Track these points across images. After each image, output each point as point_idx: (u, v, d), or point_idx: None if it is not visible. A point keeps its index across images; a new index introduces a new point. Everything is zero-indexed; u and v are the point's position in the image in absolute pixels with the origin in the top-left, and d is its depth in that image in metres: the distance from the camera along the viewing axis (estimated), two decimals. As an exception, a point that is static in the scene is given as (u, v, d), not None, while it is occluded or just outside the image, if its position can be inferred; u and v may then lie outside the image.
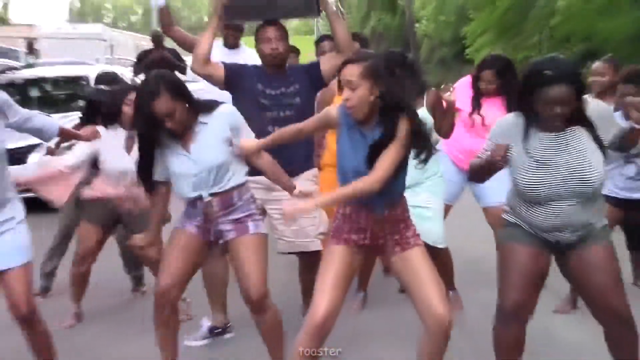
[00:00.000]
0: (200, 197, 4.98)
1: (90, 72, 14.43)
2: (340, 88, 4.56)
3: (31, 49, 24.82)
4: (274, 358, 5.23)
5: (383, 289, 7.54)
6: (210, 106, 5.04)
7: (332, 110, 4.67)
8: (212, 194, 4.96)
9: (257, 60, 6.57)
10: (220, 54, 7.73)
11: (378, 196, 4.50)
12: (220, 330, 6.35)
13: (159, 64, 8.75)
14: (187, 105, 4.88)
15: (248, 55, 8.13)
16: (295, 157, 5.46)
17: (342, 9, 6.45)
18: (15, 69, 16.87)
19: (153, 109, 4.74)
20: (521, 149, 4.51)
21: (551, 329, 6.19)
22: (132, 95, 6.08)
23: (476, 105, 7.12)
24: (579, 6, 26.62)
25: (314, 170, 6.11)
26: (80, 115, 7.60)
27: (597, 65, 6.85)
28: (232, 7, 6.05)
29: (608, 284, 4.57)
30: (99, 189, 6.50)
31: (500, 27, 29.29)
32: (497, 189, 6.02)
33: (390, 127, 4.45)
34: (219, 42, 8.37)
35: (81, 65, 16.74)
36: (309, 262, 6.10)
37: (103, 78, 8.27)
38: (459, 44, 36.65)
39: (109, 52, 37.38)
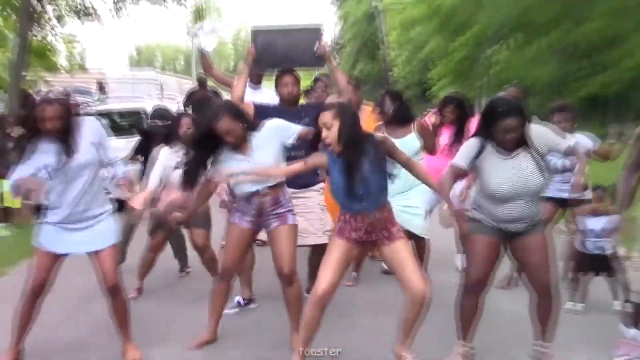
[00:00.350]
0: (257, 192, 5.03)
1: (146, 106, 14.41)
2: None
3: (102, 89, 24.77)
4: (293, 322, 5.23)
5: (370, 271, 7.43)
6: (259, 124, 5.12)
7: (323, 156, 4.74)
8: (269, 187, 5.02)
9: (274, 98, 6.65)
10: (247, 91, 7.83)
11: (369, 205, 4.63)
12: (247, 301, 6.42)
13: (203, 100, 8.66)
14: (244, 125, 4.97)
15: (266, 94, 8.05)
16: (307, 175, 5.46)
17: (338, 61, 6.46)
18: (90, 104, 16.82)
19: (214, 128, 4.87)
20: (490, 163, 4.62)
21: (499, 302, 6.13)
22: (185, 121, 6.57)
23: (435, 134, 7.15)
24: (513, 59, 26.80)
25: (322, 184, 6.11)
26: (139, 139, 7.59)
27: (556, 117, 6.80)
28: (259, 60, 6.19)
29: (543, 262, 4.75)
30: (167, 200, 6.51)
31: (454, 74, 29.34)
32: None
33: (354, 153, 4.57)
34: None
35: (139, 101, 16.77)
36: (317, 251, 6.06)
37: (157, 112, 8.21)
38: (422, 86, 36.67)
39: (159, 91, 37.29)
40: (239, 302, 6.41)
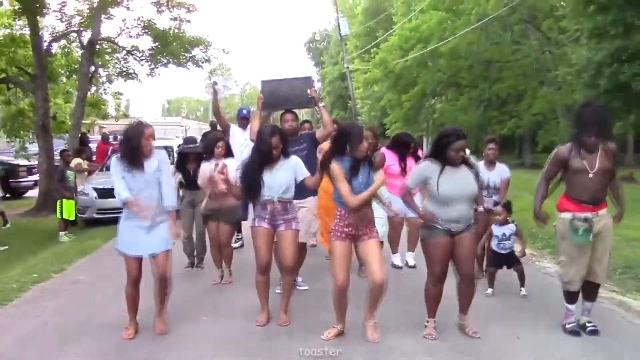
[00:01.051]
0: (271, 201, 5.07)
1: (174, 144, 14.42)
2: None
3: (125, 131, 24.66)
4: (284, 300, 5.30)
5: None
6: (288, 153, 5.23)
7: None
8: (278, 199, 5.08)
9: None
10: (238, 131, 8.20)
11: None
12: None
13: (212, 139, 8.82)
14: (283, 147, 5.11)
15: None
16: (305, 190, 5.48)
17: (324, 103, 6.63)
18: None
19: (270, 140, 5.00)
20: (437, 177, 4.69)
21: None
22: (220, 143, 6.78)
23: (404, 163, 7.25)
24: (447, 108, 26.99)
25: (315, 197, 6.16)
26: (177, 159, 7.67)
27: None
28: (266, 102, 6.34)
29: (469, 255, 4.84)
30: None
31: (404, 119, 29.40)
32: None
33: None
34: (235, 125, 8.44)
35: (168, 140, 16.78)
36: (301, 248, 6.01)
37: (189, 139, 8.27)
38: (383, 127, 36.83)
39: (184, 132, 37.34)
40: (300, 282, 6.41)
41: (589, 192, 4.79)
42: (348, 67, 35.96)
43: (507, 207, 6.32)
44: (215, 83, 8.22)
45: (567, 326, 5.00)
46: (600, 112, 4.90)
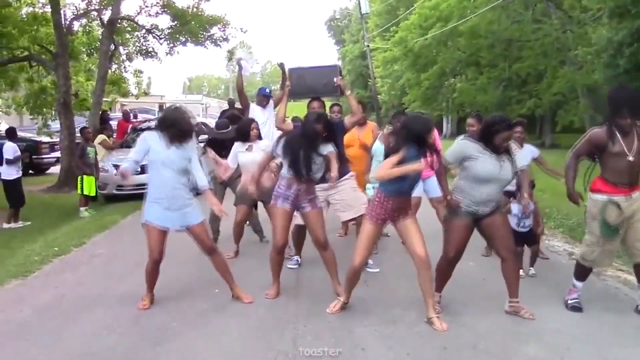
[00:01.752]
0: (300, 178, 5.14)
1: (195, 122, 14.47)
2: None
3: (161, 109, 24.88)
4: (332, 276, 5.42)
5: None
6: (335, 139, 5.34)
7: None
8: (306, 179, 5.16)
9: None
10: (257, 110, 8.27)
11: (411, 191, 4.81)
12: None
13: (232, 117, 8.90)
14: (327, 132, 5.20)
15: (271, 110, 8.38)
16: (342, 168, 5.64)
17: (351, 91, 6.66)
18: (152, 120, 17.01)
19: (316, 126, 5.11)
20: (478, 157, 4.73)
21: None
22: (255, 125, 6.83)
23: None
24: (467, 88, 26.77)
25: (351, 172, 6.29)
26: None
27: (469, 120, 6.87)
28: (293, 91, 6.53)
29: (505, 234, 4.89)
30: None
31: (423, 98, 29.24)
32: (436, 188, 6.08)
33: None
34: (254, 104, 8.57)
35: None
36: (359, 221, 6.11)
37: (221, 124, 8.24)
38: (401, 106, 36.66)
39: (205, 111, 37.60)
40: (297, 261, 6.55)
41: (626, 174, 4.81)
42: (368, 46, 35.85)
43: (531, 186, 6.30)
44: (240, 59, 8.34)
45: (569, 301, 5.07)
46: (634, 95, 4.87)
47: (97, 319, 4.94)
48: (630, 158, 4.72)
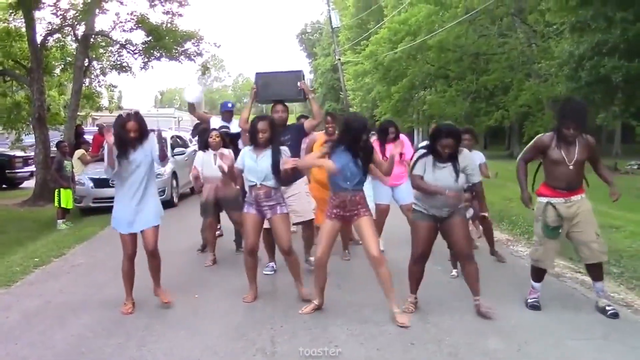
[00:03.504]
0: (255, 185, 5.46)
1: (167, 135, 14.57)
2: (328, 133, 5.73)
3: (115, 121, 24.78)
4: (296, 279, 5.72)
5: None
6: (277, 142, 5.56)
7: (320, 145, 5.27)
8: (261, 183, 5.44)
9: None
10: (219, 123, 8.39)
11: (350, 187, 5.10)
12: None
13: (203, 131, 9.18)
14: (271, 134, 5.48)
15: (234, 124, 8.42)
16: (295, 173, 5.79)
17: (314, 95, 6.95)
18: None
19: (257, 124, 5.45)
20: (431, 168, 5.09)
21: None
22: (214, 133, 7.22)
23: (383, 149, 7.38)
24: (436, 100, 27.31)
25: (304, 178, 6.56)
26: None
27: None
28: (258, 94, 6.74)
29: (460, 238, 5.19)
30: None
31: (394, 110, 29.74)
32: (407, 196, 6.52)
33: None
34: (217, 117, 8.77)
35: (162, 131, 16.90)
36: (308, 226, 6.63)
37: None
38: (373, 119, 37.13)
39: (177, 124, 37.65)
40: (272, 267, 6.78)
41: (565, 180, 5.16)
42: (339, 59, 36.31)
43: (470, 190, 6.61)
44: (186, 87, 8.69)
45: (528, 301, 5.43)
46: (580, 107, 5.26)
47: (83, 322, 5.16)
48: (570, 167, 5.12)
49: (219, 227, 8.55)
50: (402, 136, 7.50)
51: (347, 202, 5.12)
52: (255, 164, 5.47)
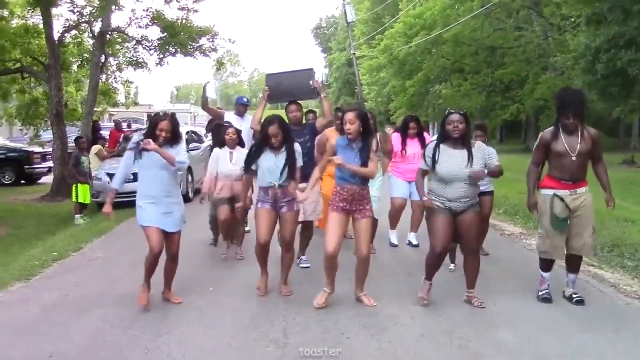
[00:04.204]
0: (273, 186, 5.56)
1: (182, 130, 14.74)
2: (338, 129, 5.55)
3: (149, 118, 24.99)
4: (283, 274, 5.84)
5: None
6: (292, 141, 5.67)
7: (332, 142, 5.38)
8: (279, 184, 5.56)
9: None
10: (234, 119, 8.48)
11: (356, 180, 5.20)
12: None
13: (217, 126, 9.25)
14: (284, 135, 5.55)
15: (247, 120, 8.48)
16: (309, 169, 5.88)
17: (326, 93, 7.03)
18: (141, 129, 17.18)
19: (267, 130, 5.50)
20: (445, 156, 5.15)
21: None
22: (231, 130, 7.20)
23: (404, 144, 7.57)
24: (451, 94, 27.22)
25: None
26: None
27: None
28: (271, 95, 6.83)
29: (470, 234, 5.26)
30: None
31: (409, 105, 29.70)
32: (415, 194, 6.56)
33: (368, 142, 5.20)
34: (231, 113, 8.88)
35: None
36: (308, 226, 6.72)
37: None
38: (388, 113, 37.14)
39: (193, 119, 37.82)
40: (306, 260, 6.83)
41: (570, 172, 5.21)
42: (354, 54, 36.29)
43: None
44: (207, 82, 8.75)
45: (539, 293, 5.47)
46: (577, 95, 5.33)
47: (99, 315, 5.28)
48: (573, 158, 5.16)
49: (246, 220, 8.59)
50: (426, 135, 7.57)
51: (355, 196, 5.22)
52: (274, 166, 5.56)
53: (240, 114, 8.72)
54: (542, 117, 24.05)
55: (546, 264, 5.51)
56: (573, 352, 4.34)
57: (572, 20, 22.10)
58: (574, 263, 5.47)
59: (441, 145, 5.20)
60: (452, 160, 5.13)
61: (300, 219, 6.45)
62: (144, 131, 5.49)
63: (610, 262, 7.01)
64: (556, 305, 5.35)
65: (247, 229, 8.18)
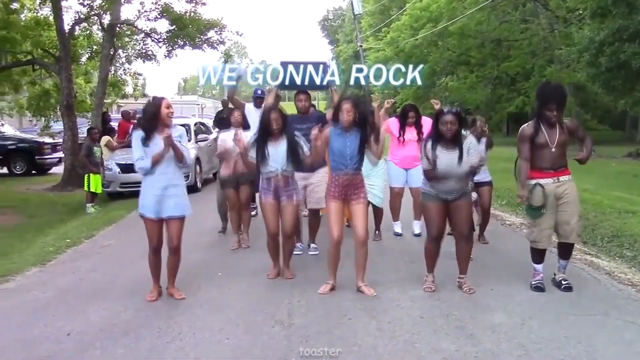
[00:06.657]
0: (275, 174, 5.79)
1: (190, 122, 15.00)
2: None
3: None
4: (285, 260, 6.09)
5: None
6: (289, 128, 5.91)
7: (327, 131, 5.49)
8: (282, 173, 5.79)
9: None
10: (252, 110, 8.65)
11: (350, 168, 5.40)
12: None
13: (227, 117, 9.40)
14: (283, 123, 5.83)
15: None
16: (319, 160, 6.19)
17: (336, 87, 7.19)
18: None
19: (268, 116, 5.77)
20: (431, 154, 5.33)
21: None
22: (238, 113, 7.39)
23: (402, 131, 7.73)
24: (457, 86, 27.28)
25: (326, 167, 6.61)
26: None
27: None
28: (282, 84, 6.93)
29: (462, 220, 5.50)
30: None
31: (415, 97, 29.76)
32: (418, 180, 6.64)
33: (364, 131, 5.39)
34: (250, 104, 9.05)
35: (185, 118, 17.18)
36: (314, 214, 6.95)
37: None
38: (394, 106, 37.16)
39: (200, 111, 38.02)
40: (316, 248, 7.02)
41: (550, 160, 5.42)
42: (361, 46, 36.40)
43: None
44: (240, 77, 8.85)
45: (532, 283, 5.63)
46: (558, 88, 5.60)
47: (113, 298, 5.53)
48: (553, 149, 5.38)
49: (254, 205, 8.76)
50: (425, 119, 7.71)
51: (350, 183, 5.43)
52: (275, 152, 5.78)
53: (258, 105, 8.89)
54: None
55: (538, 256, 5.67)
56: (564, 334, 4.53)
57: (579, 13, 22.17)
58: (565, 250, 5.66)
59: (435, 143, 5.38)
60: (445, 158, 5.32)
61: (310, 205, 6.82)
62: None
63: (610, 252, 7.21)
64: (550, 291, 5.54)
65: (253, 213, 8.40)
